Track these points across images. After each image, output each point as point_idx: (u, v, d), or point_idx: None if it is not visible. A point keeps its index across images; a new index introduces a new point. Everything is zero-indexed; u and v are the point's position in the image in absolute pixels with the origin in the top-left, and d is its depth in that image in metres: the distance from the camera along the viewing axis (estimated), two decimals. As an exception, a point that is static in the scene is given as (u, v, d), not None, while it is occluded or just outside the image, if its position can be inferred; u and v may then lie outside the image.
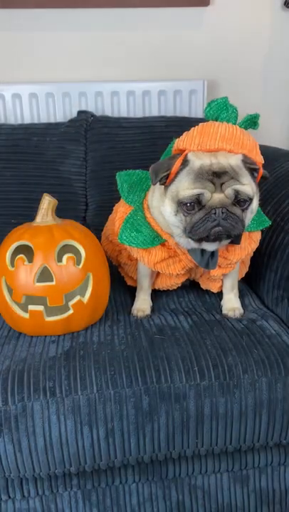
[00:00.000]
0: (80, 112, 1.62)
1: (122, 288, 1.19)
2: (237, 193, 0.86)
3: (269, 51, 1.77)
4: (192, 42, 1.72)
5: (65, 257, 0.90)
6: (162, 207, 0.93)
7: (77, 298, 0.92)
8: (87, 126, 1.56)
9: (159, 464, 0.95)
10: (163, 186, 0.93)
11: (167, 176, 0.90)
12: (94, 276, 0.94)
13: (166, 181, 0.91)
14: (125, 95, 1.68)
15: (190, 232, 0.89)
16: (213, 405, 0.85)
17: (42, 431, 0.82)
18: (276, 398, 0.87)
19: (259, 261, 1.16)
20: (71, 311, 0.92)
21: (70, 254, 0.91)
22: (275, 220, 1.13)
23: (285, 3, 1.71)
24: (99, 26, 1.66)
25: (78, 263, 0.92)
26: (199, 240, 0.90)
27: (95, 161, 1.52)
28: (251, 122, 0.97)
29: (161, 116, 1.63)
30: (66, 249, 0.92)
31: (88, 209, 1.52)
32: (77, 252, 0.92)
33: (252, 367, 0.88)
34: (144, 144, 1.53)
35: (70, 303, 0.92)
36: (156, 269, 1.05)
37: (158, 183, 0.92)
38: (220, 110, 0.94)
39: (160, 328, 0.98)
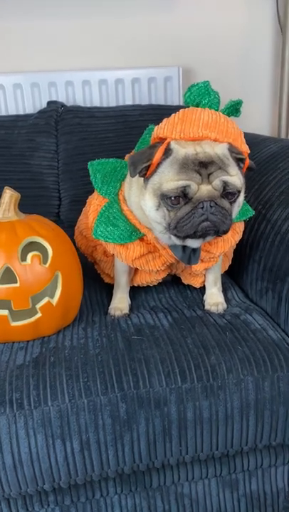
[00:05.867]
0: (49, 103, 1.55)
1: (98, 286, 1.13)
2: (225, 184, 0.80)
3: (246, 35, 1.72)
4: (166, 27, 1.65)
5: (29, 256, 0.83)
6: (142, 201, 0.86)
7: (45, 300, 0.85)
8: (57, 117, 1.50)
9: (141, 473, 0.89)
10: (142, 178, 0.85)
11: (147, 168, 0.82)
12: (63, 275, 0.86)
13: (146, 173, 0.83)
14: (97, 84, 1.62)
15: (175, 228, 0.81)
16: (196, 409, 0.79)
17: (9, 447, 0.75)
18: (264, 398, 0.81)
19: (241, 252, 1.10)
20: (39, 315, 0.85)
21: (35, 253, 0.83)
22: (257, 208, 1.07)
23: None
24: (68, 13, 1.58)
25: (45, 261, 0.84)
26: (184, 237, 0.83)
27: (66, 154, 1.45)
28: (234, 109, 0.90)
29: (135, 105, 1.57)
30: (31, 247, 0.84)
31: (62, 204, 1.46)
32: (43, 250, 0.85)
33: (237, 365, 0.82)
34: (118, 133, 1.47)
35: (38, 305, 0.85)
36: (135, 265, 0.98)
37: (137, 175, 0.84)
38: (201, 95, 0.87)
39: (138, 328, 0.91)
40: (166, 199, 0.80)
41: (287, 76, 1.75)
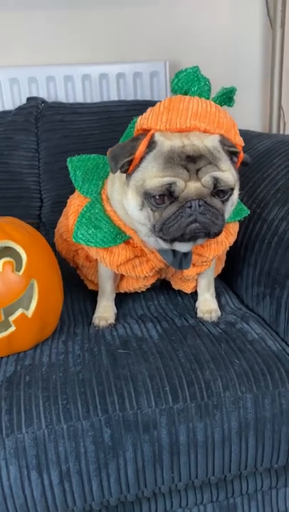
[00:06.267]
0: (29, 99, 1.48)
1: (81, 293, 1.04)
2: (216, 181, 0.71)
3: (235, 28, 1.66)
4: (152, 20, 1.58)
5: (0, 262, 0.74)
6: (124, 200, 0.77)
7: (19, 311, 0.76)
8: (37, 113, 1.42)
9: (130, 503, 0.80)
10: (125, 174, 0.77)
11: (130, 162, 0.74)
12: (40, 283, 0.78)
13: (128, 168, 0.75)
14: (80, 80, 1.55)
15: (160, 230, 0.73)
16: (189, 432, 0.71)
17: (-22, 482, 0.66)
18: (264, 417, 0.73)
19: (235, 254, 1.03)
20: (13, 328, 0.76)
21: (7, 259, 0.75)
22: (251, 207, 1.00)
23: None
24: (49, 4, 1.50)
25: (18, 269, 0.76)
26: (172, 240, 0.75)
27: (48, 152, 1.38)
28: (226, 97, 0.82)
29: (120, 101, 1.50)
30: (3, 252, 0.76)
31: (43, 206, 1.39)
32: (16, 256, 0.76)
33: (234, 381, 0.74)
34: (103, 130, 1.39)
35: (11, 318, 0.76)
36: (120, 271, 0.89)
37: (119, 171, 0.76)
38: (190, 82, 0.80)
39: (124, 340, 0.83)
40: (149, 198, 0.72)
41: (277, 71, 1.68)
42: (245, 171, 1.07)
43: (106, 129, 1.39)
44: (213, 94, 0.82)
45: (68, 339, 0.84)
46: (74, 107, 1.44)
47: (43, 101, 1.46)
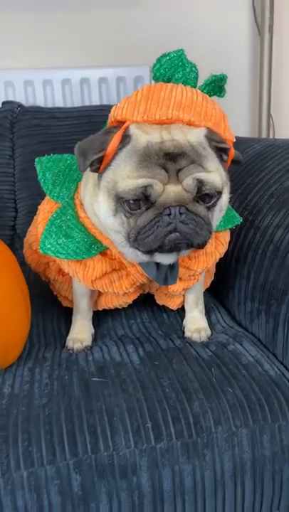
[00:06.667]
0: (4, 103, 1.41)
1: (55, 310, 0.94)
2: (200, 183, 0.61)
3: (221, 32, 1.61)
4: (136, 23, 1.54)
5: None
6: (96, 203, 0.67)
7: (-25, 334, 0.65)
8: (13, 118, 1.35)
9: None
10: (97, 174, 0.67)
11: (101, 159, 0.64)
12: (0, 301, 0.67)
13: (100, 167, 0.66)
14: (60, 84, 1.49)
15: (135, 240, 0.63)
16: (175, 476, 0.60)
17: None
18: (263, 456, 0.62)
19: (226, 266, 0.93)
20: None
21: None
22: (243, 214, 0.91)
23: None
24: (28, 6, 1.45)
25: (-27, 284, 0.65)
26: (149, 251, 0.65)
27: (24, 159, 1.31)
28: (216, 86, 0.74)
29: (102, 105, 1.44)
30: None
31: (18, 216, 1.31)
32: (-28, 269, 0.66)
33: (227, 414, 0.63)
34: (84, 136, 1.27)
35: None
36: (96, 287, 0.78)
37: (89, 169, 0.66)
38: (174, 68, 0.71)
39: (100, 366, 0.72)
40: (122, 202, 0.62)
41: (266, 77, 1.63)
42: (235, 176, 0.98)
43: (87, 133, 1.27)
44: (201, 80, 0.73)
45: (36, 365, 0.73)
46: (52, 112, 1.37)
47: (20, 105, 1.38)
